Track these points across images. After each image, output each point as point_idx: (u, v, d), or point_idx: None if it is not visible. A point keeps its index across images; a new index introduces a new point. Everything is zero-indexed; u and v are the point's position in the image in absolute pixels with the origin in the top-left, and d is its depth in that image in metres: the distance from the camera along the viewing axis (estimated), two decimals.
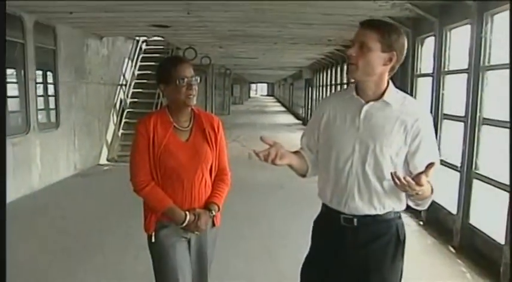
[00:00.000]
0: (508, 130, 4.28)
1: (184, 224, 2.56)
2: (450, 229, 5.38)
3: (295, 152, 2.32)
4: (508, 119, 4.31)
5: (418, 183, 1.96)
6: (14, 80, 7.39)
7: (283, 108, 38.14)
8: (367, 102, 2.17)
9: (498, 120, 4.77)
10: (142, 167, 2.57)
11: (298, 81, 27.58)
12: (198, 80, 2.59)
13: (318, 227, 2.36)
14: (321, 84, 17.88)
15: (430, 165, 1.97)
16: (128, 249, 4.92)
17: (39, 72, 8.00)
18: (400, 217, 2.25)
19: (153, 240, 2.61)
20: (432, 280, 4.47)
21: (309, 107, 20.93)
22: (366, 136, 2.14)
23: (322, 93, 17.28)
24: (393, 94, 2.18)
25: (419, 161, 2.10)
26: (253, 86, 65.52)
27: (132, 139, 2.65)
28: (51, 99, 8.44)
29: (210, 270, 2.73)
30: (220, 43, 11.45)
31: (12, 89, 7.37)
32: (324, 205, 2.31)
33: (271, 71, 28.26)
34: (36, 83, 7.72)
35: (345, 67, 10.27)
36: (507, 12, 4.61)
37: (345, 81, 13.25)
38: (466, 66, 5.23)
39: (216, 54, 14.48)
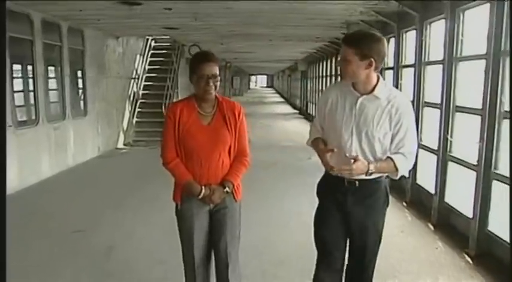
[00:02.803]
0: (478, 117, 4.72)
1: (200, 196, 2.88)
2: (430, 207, 5.86)
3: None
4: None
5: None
6: (54, 76, 8.87)
7: (281, 99, 38.70)
8: (362, 95, 2.69)
9: (469, 108, 5.20)
10: (169, 146, 2.90)
11: (295, 72, 28.44)
12: (219, 78, 2.86)
13: (323, 188, 2.90)
14: (314, 75, 19.15)
15: (355, 159, 2.60)
16: (153, 206, 6.41)
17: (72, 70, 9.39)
18: (386, 179, 2.84)
19: (178, 207, 3.00)
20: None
21: (304, 97, 22.35)
22: (360, 123, 2.69)
23: (316, 85, 18.50)
24: (382, 89, 2.69)
25: (397, 141, 2.70)
26: (253, 77, 65.40)
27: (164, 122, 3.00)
28: (80, 92, 9.92)
29: (234, 238, 3.00)
30: (222, 40, 12.76)
31: (53, 84, 8.87)
32: (328, 172, 2.79)
33: (269, 64, 29.08)
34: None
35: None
36: (477, 9, 5.11)
37: (333, 72, 14.64)
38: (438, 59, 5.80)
39: (217, 50, 15.57)
